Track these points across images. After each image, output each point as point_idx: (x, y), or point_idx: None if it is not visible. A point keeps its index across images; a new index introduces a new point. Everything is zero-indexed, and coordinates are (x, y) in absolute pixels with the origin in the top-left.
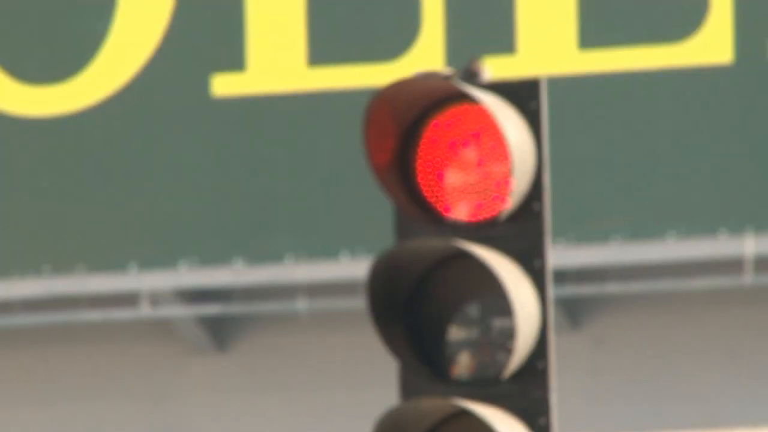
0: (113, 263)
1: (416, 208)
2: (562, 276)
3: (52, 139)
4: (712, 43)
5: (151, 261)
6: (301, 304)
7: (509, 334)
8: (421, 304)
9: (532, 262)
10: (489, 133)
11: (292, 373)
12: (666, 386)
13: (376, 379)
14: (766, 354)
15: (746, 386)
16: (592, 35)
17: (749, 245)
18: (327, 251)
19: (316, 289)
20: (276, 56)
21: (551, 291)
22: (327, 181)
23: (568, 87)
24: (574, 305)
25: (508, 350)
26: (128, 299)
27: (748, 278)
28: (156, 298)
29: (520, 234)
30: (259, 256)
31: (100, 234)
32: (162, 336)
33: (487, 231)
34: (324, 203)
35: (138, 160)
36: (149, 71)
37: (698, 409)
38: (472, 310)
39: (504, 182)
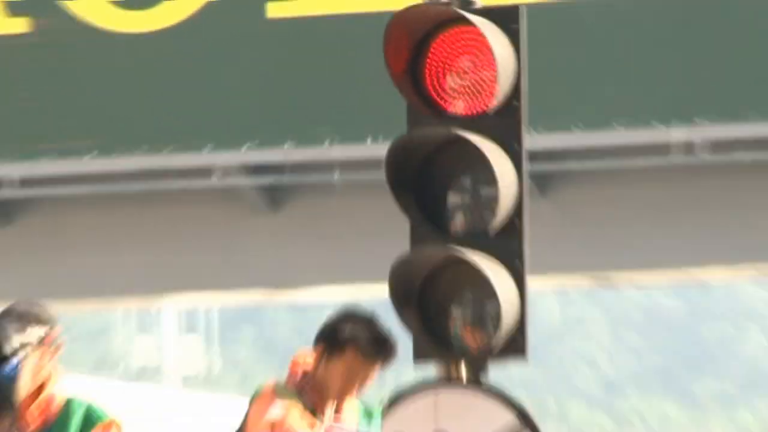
0: (193, 145)
1: (424, 104)
2: (534, 156)
3: (147, 49)
4: None
5: (222, 143)
6: (336, 177)
7: (494, 200)
8: (427, 178)
9: (512, 145)
10: (480, 47)
11: (329, 229)
12: (609, 236)
13: (394, 233)
14: (687, 213)
15: (670, 235)
16: None
17: (675, 133)
18: (356, 137)
19: (347, 165)
20: None
21: (526, 167)
22: (356, 82)
23: (540, 11)
24: (542, 179)
25: (493, 212)
26: (204, 172)
27: (674, 159)
28: (225, 171)
29: (503, 124)
30: (304, 139)
31: (184, 122)
32: (229, 201)
33: (478, 122)
34: (354, 100)
35: (211, 66)
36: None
37: (632, 254)
38: (466, 181)
39: (491, 85)
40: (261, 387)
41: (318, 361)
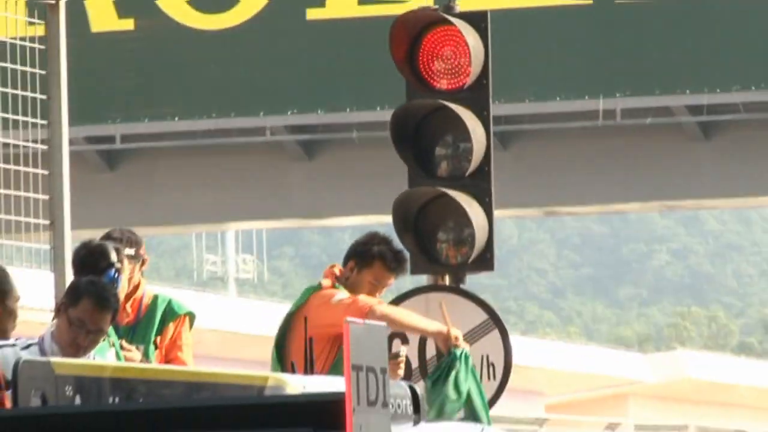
0: (250, 110)
1: (418, 82)
2: (497, 120)
3: (217, 41)
4: None
5: (272, 109)
6: (355, 135)
7: (469, 152)
8: (420, 136)
9: (482, 112)
10: (459, 41)
11: (349, 173)
12: (553, 179)
13: (396, 176)
14: (610, 162)
15: (598, 178)
16: None
17: (601, 103)
18: (369, 105)
19: (362, 126)
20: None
21: (491, 128)
22: (369, 66)
23: (502, 14)
24: (504, 137)
25: (468, 161)
26: (258, 131)
27: (600, 122)
28: (273, 130)
29: (475, 96)
30: (331, 107)
31: (243, 94)
32: (276, 152)
33: (457, 95)
34: (368, 78)
35: (264, 54)
36: (272, 5)
37: (570, 192)
38: (449, 138)
39: (467, 68)
40: (319, 285)
41: (350, 271)
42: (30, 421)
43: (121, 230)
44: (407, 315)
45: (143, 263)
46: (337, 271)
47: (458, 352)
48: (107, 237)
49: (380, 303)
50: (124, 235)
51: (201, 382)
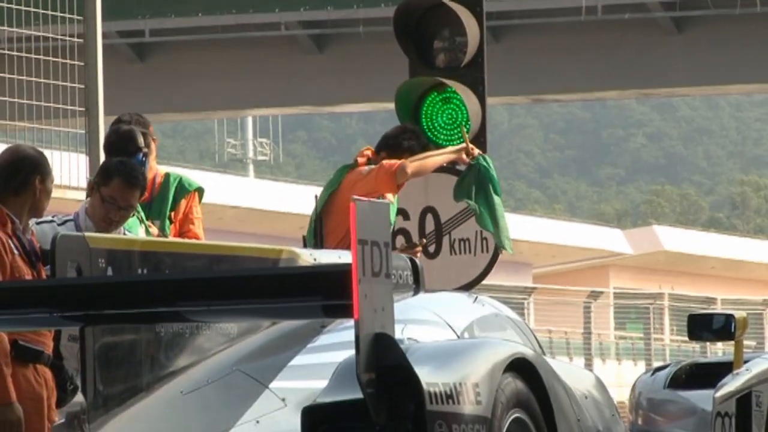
0: (267, 7)
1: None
2: (490, 15)
3: None
4: None
5: (286, 6)
6: (361, 29)
7: (464, 45)
8: (420, 30)
9: (476, 9)
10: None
11: (356, 65)
12: (541, 69)
13: (399, 67)
14: (591, 53)
15: (581, 68)
16: None
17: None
18: (374, 1)
19: (368, 22)
20: None
21: (484, 24)
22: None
23: None
24: (496, 31)
25: (464, 52)
26: (274, 26)
27: (583, 18)
28: (288, 26)
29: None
30: (340, 4)
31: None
32: (291, 45)
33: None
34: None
35: None
36: None
37: (556, 81)
38: (446, 32)
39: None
40: (355, 162)
41: (381, 158)
42: (67, 291)
43: (130, 114)
44: (430, 157)
45: (156, 144)
46: (369, 153)
47: (480, 159)
48: (118, 121)
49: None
50: (132, 117)
51: (221, 255)
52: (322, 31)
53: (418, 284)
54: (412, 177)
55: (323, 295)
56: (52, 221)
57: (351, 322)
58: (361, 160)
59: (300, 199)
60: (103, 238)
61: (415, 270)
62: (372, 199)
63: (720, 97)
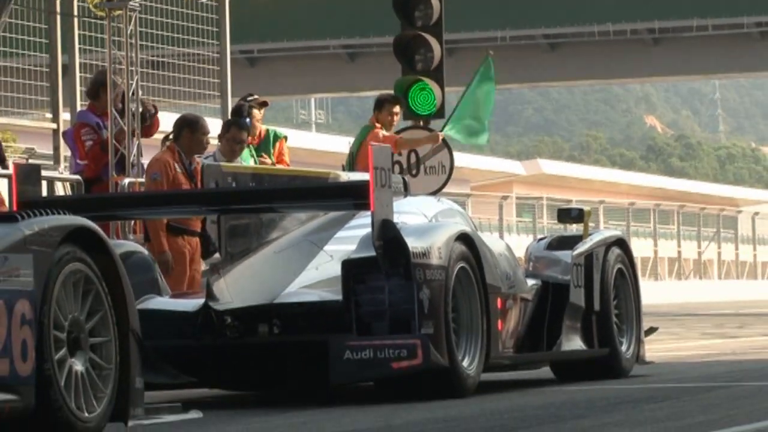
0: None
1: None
2: None
3: None
4: None
5: (333, 32)
6: (374, 50)
7: (432, 58)
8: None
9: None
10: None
11: (382, 66)
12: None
13: (396, 70)
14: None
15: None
16: None
17: None
18: None
19: (382, 45)
20: None
21: None
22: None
23: None
24: (450, 49)
25: (432, 61)
26: (324, 47)
27: None
28: (333, 46)
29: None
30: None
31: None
32: (331, 59)
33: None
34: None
35: None
36: None
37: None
38: None
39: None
40: (372, 125)
41: (376, 114)
42: (209, 195)
43: (248, 95)
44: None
45: (264, 105)
46: (375, 117)
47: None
48: (244, 99)
49: (399, 137)
50: (247, 97)
51: (294, 175)
52: (356, 50)
53: (406, 191)
54: (401, 149)
55: (353, 197)
56: (207, 157)
57: (369, 213)
58: (372, 120)
59: (341, 145)
60: (229, 165)
61: (405, 184)
62: (382, 144)
63: None
